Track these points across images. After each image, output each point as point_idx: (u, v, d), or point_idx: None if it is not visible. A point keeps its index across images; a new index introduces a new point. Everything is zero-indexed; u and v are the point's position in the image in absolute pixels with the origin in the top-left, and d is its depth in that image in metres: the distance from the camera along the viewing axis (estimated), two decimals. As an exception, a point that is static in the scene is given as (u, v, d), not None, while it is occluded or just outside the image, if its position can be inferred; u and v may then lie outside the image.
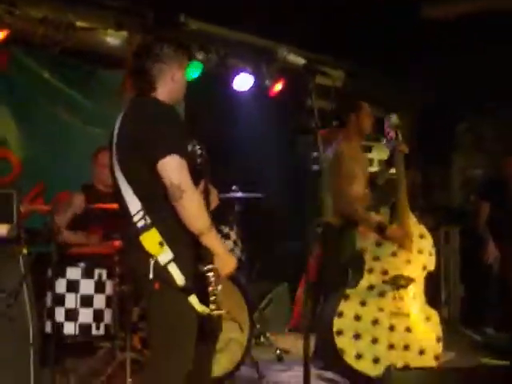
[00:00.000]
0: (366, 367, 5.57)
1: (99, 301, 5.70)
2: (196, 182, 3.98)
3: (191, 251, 3.88)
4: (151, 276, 3.80)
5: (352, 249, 5.94)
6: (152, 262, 3.79)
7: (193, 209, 3.80)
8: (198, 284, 3.86)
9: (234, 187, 6.72)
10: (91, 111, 7.68)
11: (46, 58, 7.22)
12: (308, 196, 7.89)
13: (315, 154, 7.80)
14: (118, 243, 5.72)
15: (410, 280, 5.82)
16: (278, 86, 8.05)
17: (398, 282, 5.78)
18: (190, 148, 4.04)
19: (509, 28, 7.52)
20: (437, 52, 8.34)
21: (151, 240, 3.80)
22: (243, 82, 7.86)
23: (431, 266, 5.99)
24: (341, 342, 5.60)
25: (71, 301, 5.66)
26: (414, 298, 5.85)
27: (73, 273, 5.69)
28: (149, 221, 3.81)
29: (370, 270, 5.79)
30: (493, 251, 8.23)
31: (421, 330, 5.81)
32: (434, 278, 6.10)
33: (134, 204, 3.85)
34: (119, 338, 5.73)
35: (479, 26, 7.54)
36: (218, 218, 4.27)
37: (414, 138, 10.06)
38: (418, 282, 5.89)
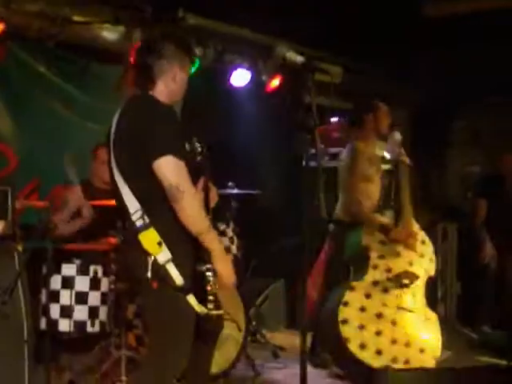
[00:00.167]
0: (369, 358, 5.63)
1: (94, 298, 5.68)
2: (195, 180, 3.96)
3: (189, 251, 3.87)
4: (149, 275, 3.78)
5: (357, 245, 5.98)
6: (150, 261, 3.77)
7: (192, 210, 3.79)
8: (197, 283, 3.84)
9: (229, 183, 6.70)
10: (87, 106, 7.63)
11: (41, 51, 7.15)
12: (305, 193, 7.90)
13: (313, 150, 7.82)
14: (113, 240, 5.71)
15: (414, 277, 5.92)
16: (275, 82, 8.02)
17: (402, 280, 5.86)
18: (188, 147, 4.02)
19: (505, 25, 7.50)
20: (434, 48, 8.32)
21: (150, 239, 3.78)
22: (240, 77, 7.82)
23: (431, 272, 6.09)
24: (346, 330, 5.66)
25: (66, 297, 5.64)
26: (415, 298, 5.93)
27: (68, 269, 5.67)
28: (147, 220, 3.80)
29: (375, 267, 5.88)
30: (490, 249, 8.21)
31: (421, 330, 5.89)
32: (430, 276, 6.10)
33: (132, 203, 3.83)
34: (114, 335, 5.72)
35: (476, 22, 7.52)
36: (215, 214, 4.24)
37: (410, 134, 10.09)
38: (419, 283, 5.97)
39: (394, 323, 5.77)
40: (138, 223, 3.80)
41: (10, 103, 7.11)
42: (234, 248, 6.31)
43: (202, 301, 3.84)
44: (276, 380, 6.32)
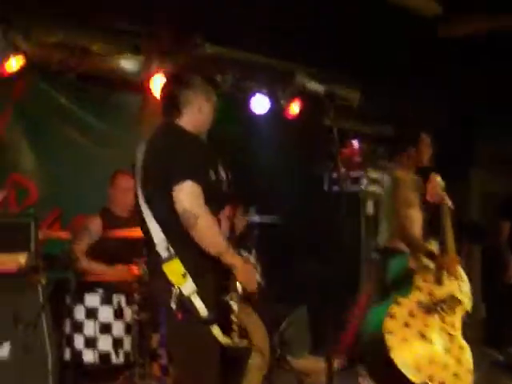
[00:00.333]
0: (409, 372, 5.64)
1: (118, 328, 5.69)
2: (220, 208, 4.02)
3: (213, 281, 3.89)
4: (174, 306, 3.77)
5: (401, 270, 6.04)
6: (175, 292, 3.77)
7: (207, 233, 3.82)
8: (221, 314, 3.85)
9: (251, 210, 6.69)
10: (107, 135, 7.66)
11: (62, 83, 7.20)
12: (328, 217, 7.89)
13: (335, 175, 7.85)
14: (136, 269, 5.70)
15: (458, 303, 6.00)
16: (295, 107, 8.01)
17: (446, 305, 5.92)
18: (214, 175, 4.03)
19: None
20: (455, 67, 8.30)
21: (174, 270, 3.79)
22: (259, 103, 7.82)
23: (468, 307, 6.13)
24: (390, 340, 5.70)
25: (90, 328, 5.65)
26: (453, 326, 5.99)
27: (91, 300, 5.68)
28: (172, 251, 3.82)
29: (419, 288, 5.93)
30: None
31: (456, 356, 5.93)
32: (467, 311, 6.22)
33: (157, 233, 3.86)
34: (139, 365, 5.70)
35: (494, 41, 7.50)
36: (237, 242, 4.24)
37: (433, 155, 10.05)
38: (457, 315, 6.03)
39: (433, 344, 5.83)
40: (163, 254, 3.82)
41: (30, 134, 7.15)
42: (257, 275, 6.28)
43: (227, 331, 3.83)
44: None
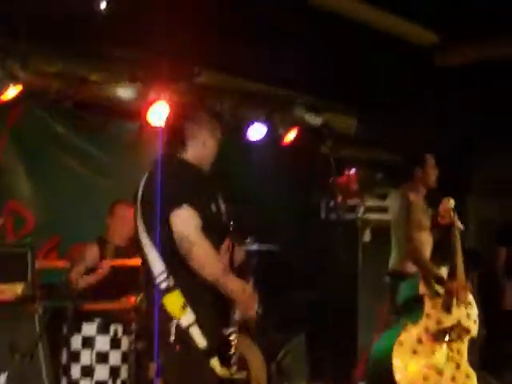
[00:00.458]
0: None
1: (115, 357, 5.65)
2: (221, 241, 4.02)
3: (213, 314, 3.90)
4: (172, 338, 3.75)
5: (412, 294, 6.13)
6: (174, 324, 3.76)
7: (203, 259, 3.83)
8: (221, 346, 3.85)
9: (248, 239, 6.68)
10: (104, 163, 7.66)
11: (59, 111, 7.21)
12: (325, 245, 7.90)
13: (332, 203, 7.87)
14: (133, 298, 5.68)
15: (465, 332, 6.08)
16: (292, 135, 8.02)
17: (452, 334, 5.99)
18: (214, 207, 4.04)
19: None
20: (453, 94, 8.34)
21: (174, 302, 3.79)
22: (256, 131, 7.83)
23: (474, 332, 6.21)
24: (397, 367, 5.80)
25: (87, 357, 5.61)
26: (459, 354, 6.06)
27: (88, 328, 5.66)
28: (172, 282, 3.82)
29: (428, 316, 6.01)
30: (512, 296, 8.15)
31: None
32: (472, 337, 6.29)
33: (156, 264, 3.86)
34: (136, 394, 5.68)
35: (491, 69, 7.55)
36: (236, 274, 4.23)
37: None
38: (464, 341, 6.13)
39: (440, 373, 5.89)
40: (163, 285, 3.82)
41: (27, 162, 7.14)
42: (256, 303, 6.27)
43: (226, 363, 3.82)
44: None
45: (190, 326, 3.77)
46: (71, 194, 7.37)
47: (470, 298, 6.26)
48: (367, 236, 8.05)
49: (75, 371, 5.58)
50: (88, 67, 6.74)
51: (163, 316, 3.80)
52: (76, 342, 5.62)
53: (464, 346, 6.08)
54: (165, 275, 3.83)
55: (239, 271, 4.18)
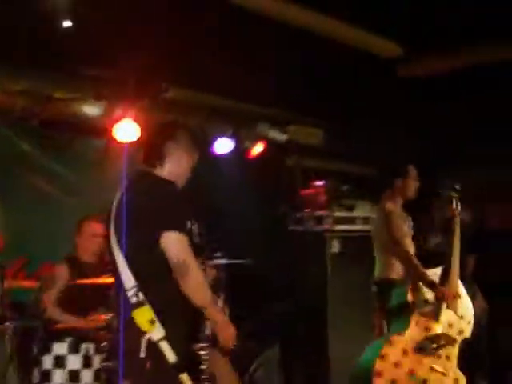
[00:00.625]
0: None
1: (87, 376, 5.63)
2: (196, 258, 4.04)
3: (184, 330, 3.95)
4: (143, 355, 3.76)
5: (401, 301, 6.11)
6: (144, 340, 3.78)
7: (197, 285, 3.91)
8: (191, 363, 3.86)
9: (217, 254, 6.67)
10: (71, 181, 7.62)
11: (24, 130, 7.17)
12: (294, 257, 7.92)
13: (297, 214, 7.89)
14: (104, 317, 5.66)
15: (451, 340, 6.03)
16: (259, 148, 8.05)
17: (439, 341, 5.95)
18: (189, 225, 4.09)
19: (488, 80, 7.62)
20: (413, 105, 8.42)
21: (143, 317, 3.82)
22: (223, 145, 7.85)
23: (467, 334, 6.20)
24: (378, 382, 5.75)
25: (58, 377, 5.59)
26: (448, 359, 6.03)
27: (59, 348, 5.63)
28: (142, 297, 3.83)
29: (416, 323, 5.98)
30: (481, 304, 8.18)
31: None
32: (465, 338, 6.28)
33: (128, 279, 3.88)
34: (108, 413, 5.65)
35: (454, 79, 7.63)
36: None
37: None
38: (455, 345, 6.09)
39: (424, 382, 5.86)
40: (133, 300, 3.84)
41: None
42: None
43: (196, 379, 3.86)
44: None
45: (159, 340, 3.80)
46: (39, 213, 7.33)
47: (466, 299, 6.25)
48: (335, 247, 8.09)
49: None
50: (53, 85, 6.73)
51: (134, 331, 3.82)
52: (47, 361, 5.59)
53: (454, 351, 6.06)
54: (135, 290, 3.85)
55: (211, 288, 4.20)
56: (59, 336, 5.65)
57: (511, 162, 9.33)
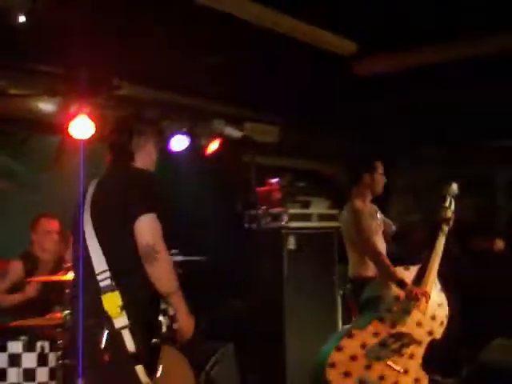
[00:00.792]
0: None
1: (42, 374, 5.58)
2: None
3: (147, 321, 3.94)
4: (103, 345, 3.80)
5: (370, 294, 6.13)
6: (106, 332, 3.82)
7: (165, 270, 3.94)
8: (149, 354, 3.90)
9: (173, 251, 6.67)
10: (25, 178, 7.58)
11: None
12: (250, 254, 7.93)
13: (252, 212, 7.90)
14: (59, 315, 5.63)
15: (414, 341, 5.99)
16: (214, 145, 8.05)
17: (403, 340, 5.94)
18: None
19: (436, 76, 7.71)
20: (367, 100, 8.50)
21: (112, 301, 3.85)
22: (179, 142, 7.84)
23: (438, 335, 6.15)
24: (331, 373, 5.77)
25: (13, 375, 5.53)
26: (411, 358, 6.01)
27: (14, 346, 5.57)
28: (113, 282, 3.87)
29: (381, 319, 5.96)
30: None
31: None
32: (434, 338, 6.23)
33: (100, 263, 3.91)
34: (64, 411, 5.62)
35: (406, 74, 7.70)
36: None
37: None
38: (421, 345, 6.05)
39: (381, 377, 5.87)
40: (104, 283, 3.87)
41: None
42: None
43: (150, 372, 3.89)
44: None
45: (122, 328, 3.82)
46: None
47: (442, 299, 6.20)
48: (291, 244, 8.12)
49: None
50: (7, 81, 6.67)
51: (95, 321, 3.87)
52: (2, 360, 5.53)
53: (419, 350, 6.03)
54: (107, 274, 3.88)
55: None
56: (14, 334, 5.61)
57: (464, 160, 9.49)
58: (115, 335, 3.82)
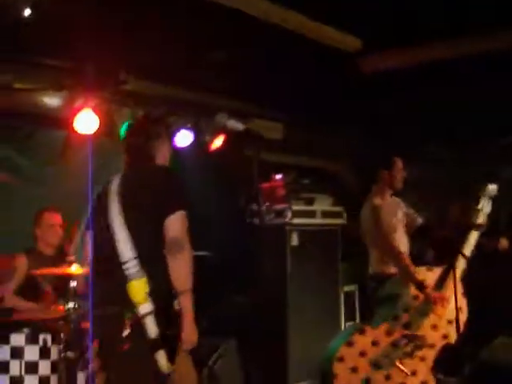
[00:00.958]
0: None
1: (44, 367, 5.60)
2: None
3: (166, 309, 4.05)
4: (125, 333, 3.95)
5: (389, 292, 6.11)
6: (128, 319, 3.96)
7: (186, 265, 4.11)
8: (167, 343, 4.02)
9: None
10: (31, 172, 7.57)
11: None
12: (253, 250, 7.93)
13: (255, 208, 7.87)
14: (61, 308, 5.64)
15: (427, 345, 5.99)
16: (218, 141, 8.06)
17: (416, 342, 5.94)
18: None
19: (443, 73, 7.69)
20: (373, 98, 8.48)
21: (139, 288, 3.98)
22: (183, 138, 7.84)
23: (453, 339, 6.09)
24: (338, 367, 5.82)
25: (16, 368, 5.54)
26: (422, 361, 6.02)
27: (17, 339, 5.59)
28: (141, 270, 4.00)
29: (396, 318, 5.98)
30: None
31: None
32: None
33: (127, 251, 4.05)
34: (65, 403, 5.63)
35: (413, 71, 7.69)
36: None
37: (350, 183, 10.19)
38: (433, 348, 6.06)
39: (387, 377, 5.87)
40: (131, 271, 3.99)
41: None
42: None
43: (170, 358, 4.02)
44: None
45: (146, 314, 3.95)
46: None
47: (463, 303, 6.14)
48: (295, 240, 8.12)
49: (4, 382, 5.51)
50: (13, 75, 6.68)
51: (117, 309, 4.00)
52: (4, 352, 5.55)
53: (431, 353, 6.03)
54: (135, 262, 4.01)
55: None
56: (16, 327, 5.62)
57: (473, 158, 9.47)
58: (138, 323, 3.95)
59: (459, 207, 8.44)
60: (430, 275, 6.07)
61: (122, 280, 4.00)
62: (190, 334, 4.17)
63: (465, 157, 9.59)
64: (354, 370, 5.81)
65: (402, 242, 6.40)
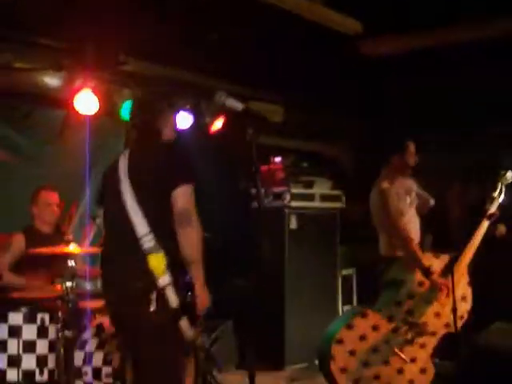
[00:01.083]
0: (344, 382, 5.73)
1: (42, 346, 5.61)
2: None
3: (182, 280, 4.14)
4: (153, 307, 4.04)
5: (394, 276, 6.08)
6: (154, 293, 4.04)
7: (196, 236, 4.16)
8: (187, 311, 4.12)
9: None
10: (29, 151, 7.56)
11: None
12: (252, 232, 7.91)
13: (254, 190, 7.86)
14: (59, 287, 5.65)
15: (429, 333, 5.96)
16: (218, 124, 8.06)
17: (417, 329, 5.90)
18: None
19: (442, 61, 7.68)
20: (372, 82, 8.48)
21: (158, 261, 4.06)
22: (183, 120, 7.82)
23: (453, 329, 5.98)
24: (336, 349, 5.79)
25: (13, 346, 5.56)
26: (422, 348, 5.98)
27: (15, 318, 5.60)
28: (157, 244, 4.08)
29: (399, 304, 5.95)
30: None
31: (411, 378, 5.95)
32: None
33: (142, 226, 4.13)
34: (63, 383, 5.64)
35: (412, 58, 7.68)
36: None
37: (352, 165, 10.18)
38: (435, 336, 6.02)
39: (385, 362, 5.85)
40: (149, 244, 4.08)
41: None
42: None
43: (193, 325, 4.13)
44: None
45: (166, 286, 4.02)
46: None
47: (468, 292, 6.15)
48: (293, 223, 8.13)
49: (1, 361, 5.53)
50: (12, 54, 6.66)
51: (140, 286, 4.07)
52: (2, 331, 5.56)
53: (432, 340, 6.01)
54: (151, 236, 4.08)
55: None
56: (14, 305, 5.63)
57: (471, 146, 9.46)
58: (160, 296, 4.03)
59: (457, 191, 8.45)
60: (437, 262, 6.02)
61: (140, 255, 4.07)
62: (203, 299, 4.22)
63: (461, 143, 9.60)
64: (352, 353, 5.79)
65: (413, 224, 6.33)
